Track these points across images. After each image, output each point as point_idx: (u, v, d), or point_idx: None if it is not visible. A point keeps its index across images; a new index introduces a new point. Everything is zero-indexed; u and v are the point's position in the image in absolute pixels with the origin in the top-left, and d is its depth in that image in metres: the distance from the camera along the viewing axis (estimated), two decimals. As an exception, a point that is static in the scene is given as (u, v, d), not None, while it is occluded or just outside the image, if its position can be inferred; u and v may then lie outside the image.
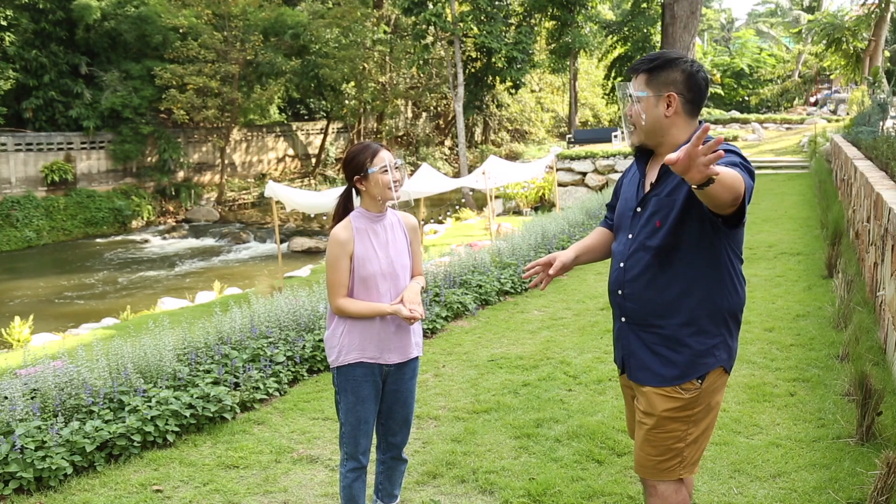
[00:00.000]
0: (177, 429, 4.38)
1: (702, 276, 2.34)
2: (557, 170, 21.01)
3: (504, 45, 26.85)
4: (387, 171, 2.96)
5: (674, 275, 2.35)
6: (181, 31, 26.84)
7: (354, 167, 2.99)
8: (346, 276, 2.97)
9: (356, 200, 3.10)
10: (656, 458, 2.42)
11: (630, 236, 2.45)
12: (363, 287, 2.98)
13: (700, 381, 2.37)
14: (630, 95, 2.39)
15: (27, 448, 3.86)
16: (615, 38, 32.91)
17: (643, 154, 2.50)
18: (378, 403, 3.11)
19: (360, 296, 2.99)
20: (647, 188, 2.44)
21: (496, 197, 21.62)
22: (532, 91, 38.87)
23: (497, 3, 27.59)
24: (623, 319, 2.50)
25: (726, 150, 2.26)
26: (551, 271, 2.61)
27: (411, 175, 14.51)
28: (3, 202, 23.79)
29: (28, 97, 25.53)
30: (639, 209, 2.44)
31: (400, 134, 37.03)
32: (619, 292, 2.48)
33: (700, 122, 2.42)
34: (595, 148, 22.91)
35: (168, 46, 26.66)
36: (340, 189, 14.67)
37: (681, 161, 1.85)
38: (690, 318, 2.36)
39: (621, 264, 2.48)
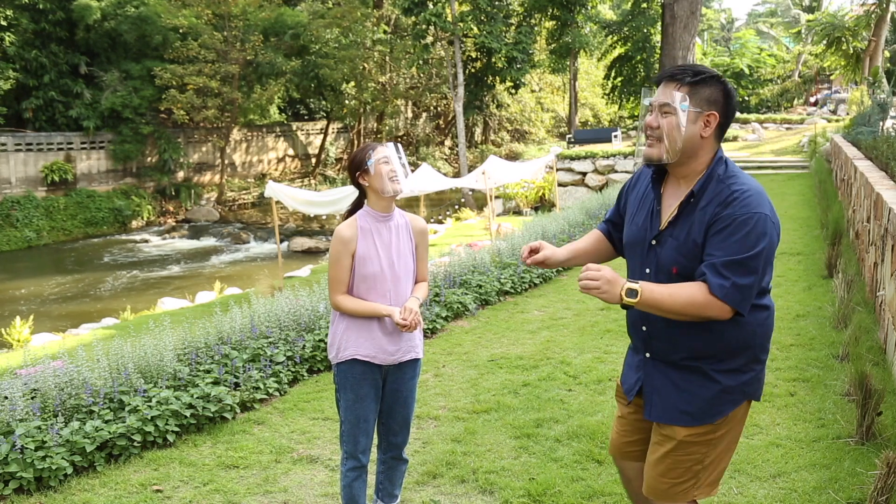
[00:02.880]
0: (177, 429, 4.38)
1: (731, 319, 2.16)
2: (557, 170, 21.01)
3: (504, 45, 26.84)
4: (386, 161, 2.97)
5: None
6: (181, 31, 26.81)
7: (356, 164, 3.02)
8: (347, 274, 2.99)
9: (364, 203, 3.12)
10: (672, 480, 2.29)
11: (648, 271, 2.29)
12: (363, 286, 3.00)
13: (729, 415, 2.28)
14: (667, 104, 2.17)
15: (27, 448, 3.86)
16: (615, 38, 32.91)
17: (658, 172, 2.32)
18: (378, 402, 3.12)
19: (360, 294, 3.01)
20: (664, 223, 2.26)
21: (496, 197, 21.61)
22: (532, 91, 38.87)
23: (497, 3, 27.59)
24: (647, 355, 2.36)
25: (740, 238, 2.09)
26: (528, 260, 2.47)
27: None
28: (3, 202, 23.78)
29: (28, 97, 25.52)
30: (653, 242, 2.28)
31: (400, 134, 37.03)
32: (644, 328, 2.33)
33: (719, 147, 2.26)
34: (595, 148, 22.90)
35: (168, 46, 26.64)
36: (341, 189, 14.52)
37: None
38: (722, 356, 2.23)
39: None
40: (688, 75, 2.17)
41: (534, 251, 2.47)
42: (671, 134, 2.17)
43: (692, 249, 2.17)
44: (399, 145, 3.11)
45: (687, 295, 2.08)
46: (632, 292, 2.04)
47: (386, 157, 2.98)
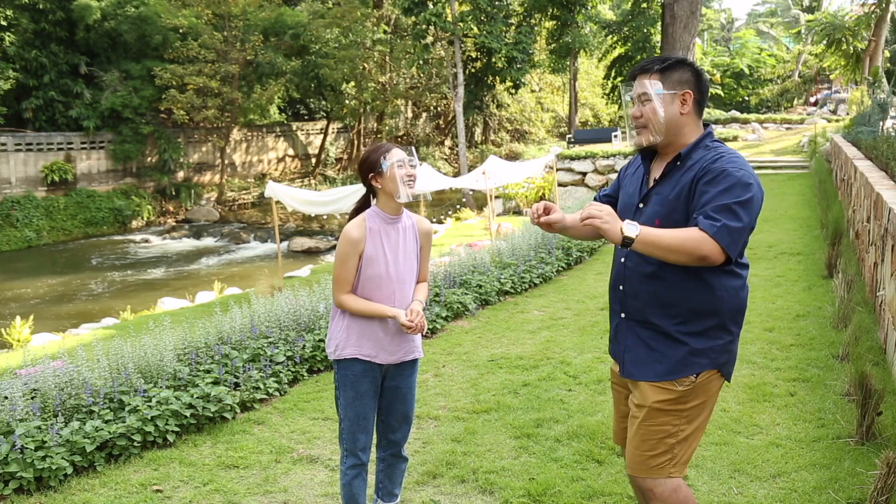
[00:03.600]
0: (177, 429, 4.38)
1: (701, 279, 2.34)
2: (557, 170, 21.01)
3: (504, 45, 26.85)
4: (401, 165, 2.98)
5: (673, 275, 2.35)
6: (181, 31, 26.82)
7: (369, 165, 3.02)
8: (353, 274, 3.00)
9: (372, 202, 3.12)
10: (646, 452, 2.40)
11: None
12: (368, 286, 3.02)
13: (695, 377, 2.37)
14: (644, 93, 2.39)
15: (27, 448, 3.86)
16: (615, 38, 32.91)
17: (648, 152, 2.52)
18: (377, 400, 3.14)
19: (365, 294, 3.03)
20: (651, 184, 2.46)
21: (496, 197, 21.62)
22: (532, 91, 38.88)
23: (497, 3, 27.59)
24: (623, 315, 2.50)
25: (728, 188, 2.23)
26: (542, 219, 2.53)
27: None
28: (3, 202, 23.78)
29: (28, 97, 25.53)
30: (641, 205, 2.46)
31: (400, 134, 37.03)
32: (621, 287, 2.49)
33: (706, 124, 2.46)
34: (595, 148, 22.90)
35: (168, 46, 26.65)
36: (340, 189, 14.45)
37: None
38: (689, 318, 2.36)
39: (622, 259, 2.48)
40: (656, 64, 2.41)
41: (546, 212, 2.56)
42: (653, 117, 2.39)
43: (675, 201, 2.34)
44: (413, 149, 3.10)
45: (682, 232, 2.22)
46: (631, 226, 2.18)
47: (401, 161, 2.98)
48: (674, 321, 2.37)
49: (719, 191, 2.23)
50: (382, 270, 3.00)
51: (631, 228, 2.17)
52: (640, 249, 2.20)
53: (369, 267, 2.99)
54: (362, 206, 3.11)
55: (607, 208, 2.22)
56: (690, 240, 2.18)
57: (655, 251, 2.21)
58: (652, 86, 2.38)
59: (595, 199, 2.78)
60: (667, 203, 2.36)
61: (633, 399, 2.48)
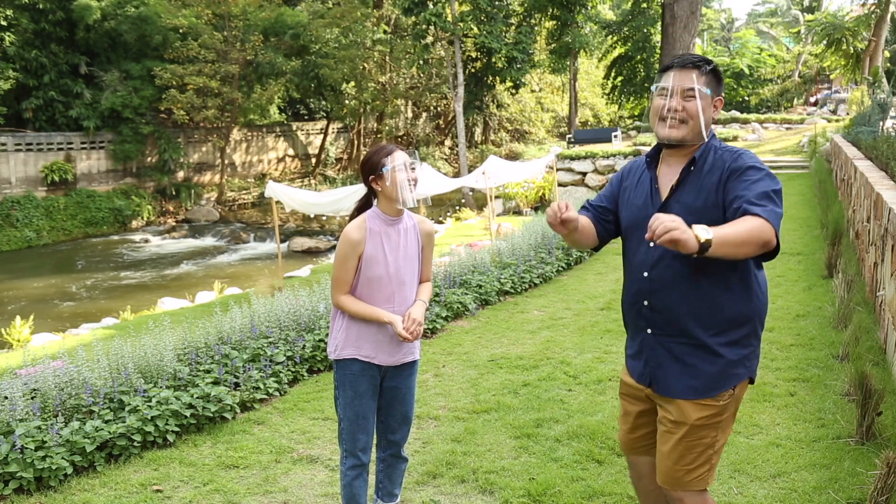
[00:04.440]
0: (177, 429, 4.38)
1: (733, 284, 2.29)
2: (557, 170, 21.01)
3: (504, 45, 26.84)
4: (402, 169, 2.97)
5: (706, 284, 2.29)
6: (181, 31, 26.80)
7: (370, 167, 3.01)
8: (351, 275, 3.00)
9: (373, 202, 3.11)
10: (686, 467, 2.35)
11: (652, 244, 2.33)
12: (367, 287, 3.01)
13: (733, 390, 2.34)
14: (691, 89, 2.31)
15: (27, 448, 3.86)
16: (615, 38, 32.92)
17: (654, 159, 2.46)
18: (376, 400, 3.14)
19: (364, 295, 3.02)
20: (666, 192, 2.37)
21: (496, 197, 21.61)
22: (532, 91, 38.85)
23: (497, 3, 27.59)
24: (649, 331, 2.41)
25: (759, 179, 2.23)
26: (564, 215, 2.30)
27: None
28: (3, 202, 23.77)
29: (28, 97, 25.51)
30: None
31: (400, 134, 37.01)
32: (645, 303, 2.39)
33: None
34: (595, 148, 22.91)
35: (168, 46, 26.64)
36: (341, 189, 14.43)
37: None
38: (724, 327, 2.31)
39: (645, 274, 2.38)
40: (705, 64, 2.35)
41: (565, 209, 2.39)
42: (697, 116, 2.32)
43: (703, 208, 2.28)
44: (416, 152, 3.09)
45: (744, 223, 2.08)
46: (705, 230, 1.98)
47: (402, 166, 2.97)
48: (709, 332, 2.31)
49: (752, 181, 2.22)
50: (382, 272, 3.00)
51: (705, 232, 1.96)
52: (715, 252, 1.99)
53: (369, 268, 2.99)
54: (363, 206, 3.11)
55: (675, 216, 1.98)
56: (754, 228, 2.06)
57: (728, 249, 2.02)
58: (700, 83, 2.32)
59: (584, 207, 2.62)
60: (695, 211, 2.27)
61: (666, 415, 2.40)
